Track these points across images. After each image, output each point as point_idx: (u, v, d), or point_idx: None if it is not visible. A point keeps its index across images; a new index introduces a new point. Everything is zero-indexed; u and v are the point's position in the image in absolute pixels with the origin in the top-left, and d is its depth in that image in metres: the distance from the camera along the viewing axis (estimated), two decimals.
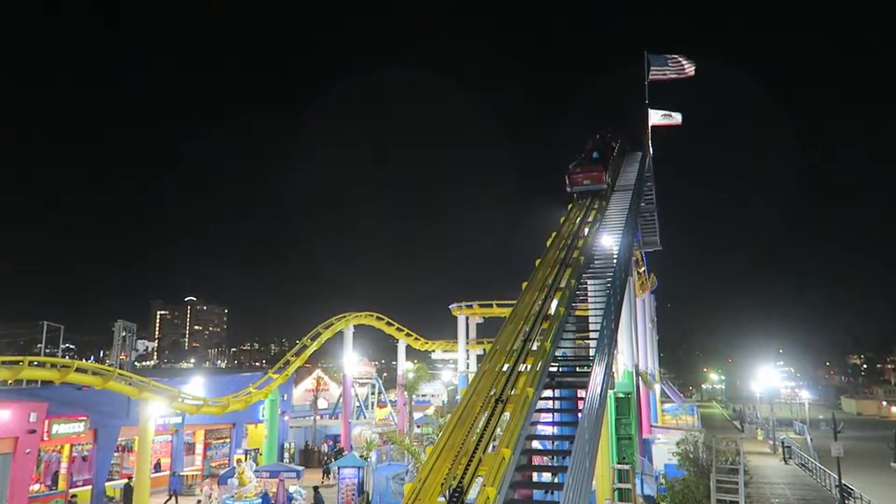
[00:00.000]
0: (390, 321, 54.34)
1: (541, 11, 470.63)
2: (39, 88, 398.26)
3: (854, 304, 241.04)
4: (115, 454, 33.00)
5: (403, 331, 56.03)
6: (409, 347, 57.36)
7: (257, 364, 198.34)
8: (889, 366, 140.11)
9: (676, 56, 38.28)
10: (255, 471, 30.12)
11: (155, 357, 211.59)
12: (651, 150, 36.37)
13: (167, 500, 31.64)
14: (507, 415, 11.47)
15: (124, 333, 41.66)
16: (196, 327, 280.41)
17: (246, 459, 32.52)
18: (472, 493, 9.51)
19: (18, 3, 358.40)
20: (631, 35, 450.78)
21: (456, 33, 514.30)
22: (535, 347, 13.90)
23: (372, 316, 52.26)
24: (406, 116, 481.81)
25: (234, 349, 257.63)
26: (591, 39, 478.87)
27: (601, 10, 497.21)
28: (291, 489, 29.13)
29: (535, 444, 13.44)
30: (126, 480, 31.06)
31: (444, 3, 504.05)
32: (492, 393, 12.12)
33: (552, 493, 11.73)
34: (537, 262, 18.79)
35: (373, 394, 57.27)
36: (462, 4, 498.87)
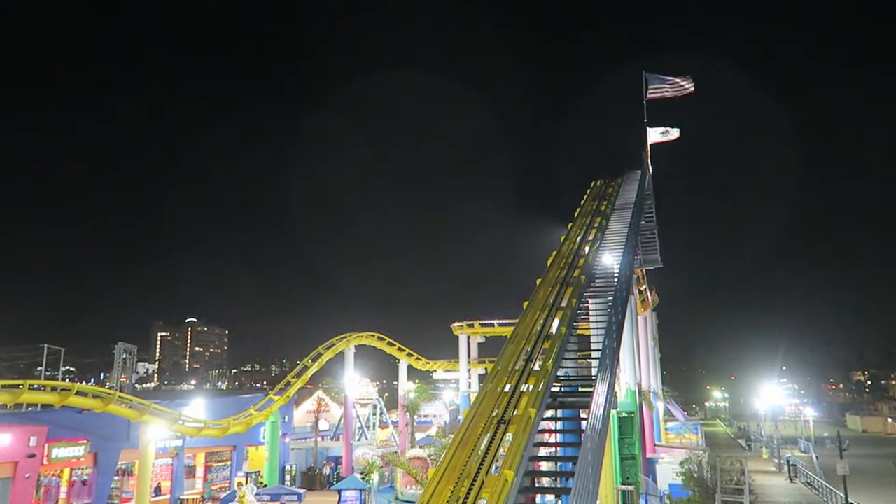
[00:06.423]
0: (391, 341, 54.17)
1: (542, 11, 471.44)
2: (38, 90, 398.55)
3: (857, 320, 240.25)
4: (115, 478, 32.72)
5: (405, 351, 55.83)
6: (410, 367, 57.13)
7: (258, 385, 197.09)
8: (893, 382, 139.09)
9: (675, 78, 38.54)
10: (257, 494, 29.91)
11: (155, 379, 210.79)
12: (650, 167, 36.54)
13: None
14: (509, 436, 11.42)
15: (125, 356, 41.64)
16: (197, 349, 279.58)
17: (247, 482, 32.36)
18: None
19: (17, 3, 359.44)
20: (633, 36, 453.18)
21: (456, 33, 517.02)
22: (537, 367, 13.87)
23: (373, 336, 52.12)
24: (406, 116, 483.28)
25: (234, 370, 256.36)
26: (592, 40, 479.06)
27: (602, 10, 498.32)
28: None
29: (539, 466, 13.36)
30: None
31: (444, 4, 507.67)
32: (494, 414, 12.08)
33: None
34: (538, 281, 18.82)
35: (374, 414, 56.88)
36: (462, 4, 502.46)
